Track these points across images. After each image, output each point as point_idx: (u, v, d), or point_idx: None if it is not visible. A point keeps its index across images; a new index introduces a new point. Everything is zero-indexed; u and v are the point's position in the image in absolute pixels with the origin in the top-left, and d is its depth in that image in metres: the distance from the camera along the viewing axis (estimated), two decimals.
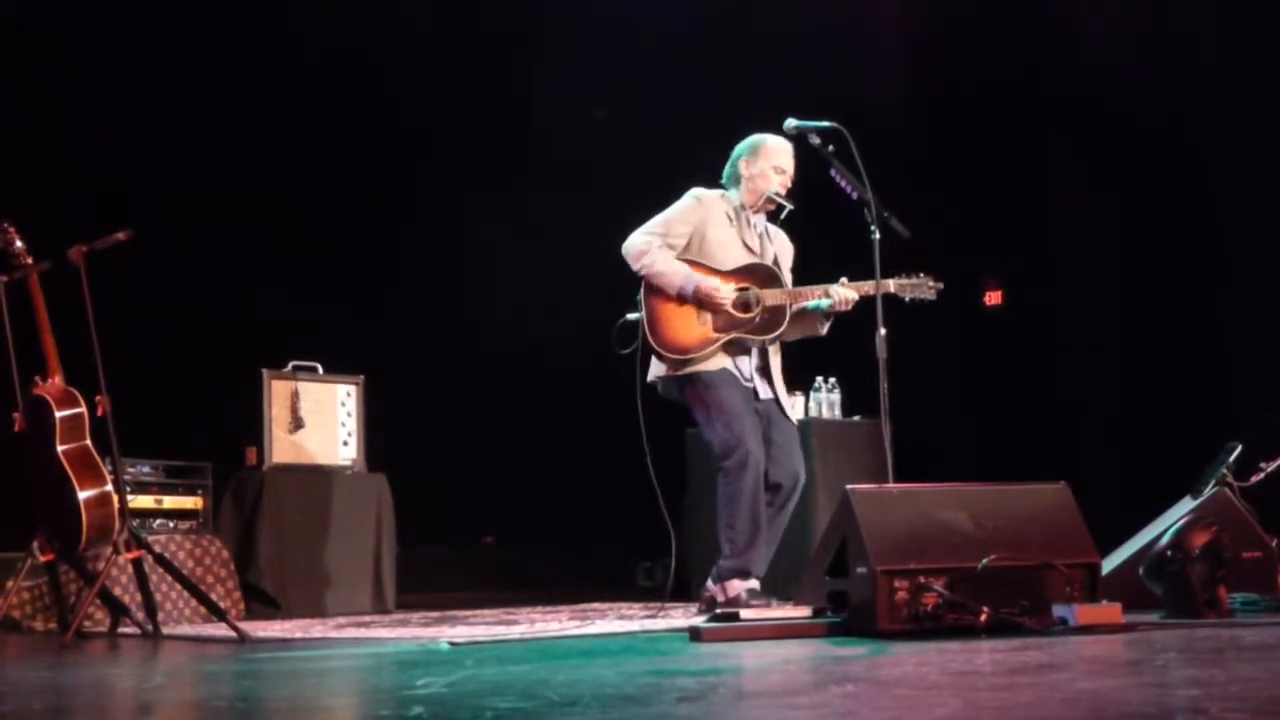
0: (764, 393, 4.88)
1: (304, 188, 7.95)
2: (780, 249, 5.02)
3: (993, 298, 8.24)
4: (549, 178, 8.54)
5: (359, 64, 8.27)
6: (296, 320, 7.50)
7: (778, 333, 4.82)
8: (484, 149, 8.53)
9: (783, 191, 4.90)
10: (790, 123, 4.75)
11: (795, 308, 4.82)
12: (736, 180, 4.97)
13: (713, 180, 5.07)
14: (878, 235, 4.56)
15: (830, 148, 4.62)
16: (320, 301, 7.88)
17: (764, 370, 4.90)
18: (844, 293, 4.76)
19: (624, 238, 4.88)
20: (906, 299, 4.80)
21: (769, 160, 4.91)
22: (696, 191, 4.93)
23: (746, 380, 4.84)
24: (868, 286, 4.69)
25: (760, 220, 4.99)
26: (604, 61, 7.97)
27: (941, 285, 4.84)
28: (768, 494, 4.76)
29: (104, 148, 7.19)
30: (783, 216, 4.98)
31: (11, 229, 5.04)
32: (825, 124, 4.66)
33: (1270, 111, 6.54)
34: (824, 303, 4.79)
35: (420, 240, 8.62)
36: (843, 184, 4.60)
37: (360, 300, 8.29)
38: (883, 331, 4.41)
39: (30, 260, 5.00)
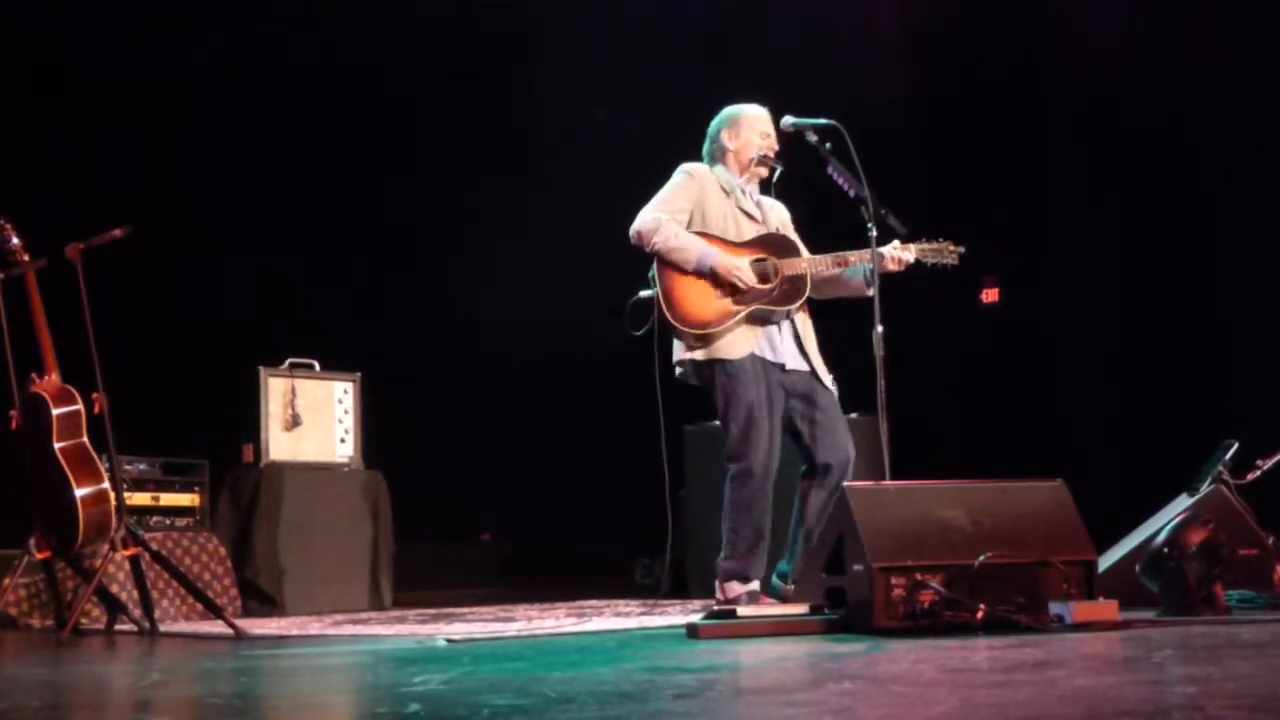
0: (796, 363, 4.72)
1: (301, 185, 7.95)
2: (778, 216, 4.91)
3: (990, 295, 8.24)
4: (548, 176, 8.54)
5: (357, 61, 8.27)
6: (293, 317, 7.50)
7: (799, 303, 4.68)
8: (483, 146, 8.53)
9: (771, 154, 4.82)
10: (788, 120, 4.73)
11: (817, 272, 4.68)
12: (721, 155, 4.86)
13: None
14: (875, 233, 4.56)
15: (828, 145, 4.61)
16: (317, 298, 7.88)
17: (797, 340, 4.75)
18: (894, 253, 4.64)
19: (623, 236, 4.83)
20: (929, 265, 4.73)
21: (752, 128, 4.84)
22: (686, 167, 4.82)
23: (777, 355, 4.68)
24: (892, 256, 4.63)
25: (754, 190, 4.89)
26: (604, 61, 7.97)
27: (963, 249, 4.75)
28: (817, 476, 4.64)
29: (101, 145, 7.20)
30: (775, 179, 4.88)
31: (8, 226, 5.03)
32: (822, 121, 4.64)
33: (1270, 111, 6.54)
34: (862, 268, 4.65)
35: (417, 237, 8.62)
36: (840, 181, 4.59)
37: (357, 297, 8.29)
38: (880, 329, 4.40)
39: (27, 257, 5.00)
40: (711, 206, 4.76)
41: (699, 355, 4.66)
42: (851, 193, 4.57)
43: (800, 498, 4.71)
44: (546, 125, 8.51)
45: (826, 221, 4.97)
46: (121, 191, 6.74)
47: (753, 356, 4.64)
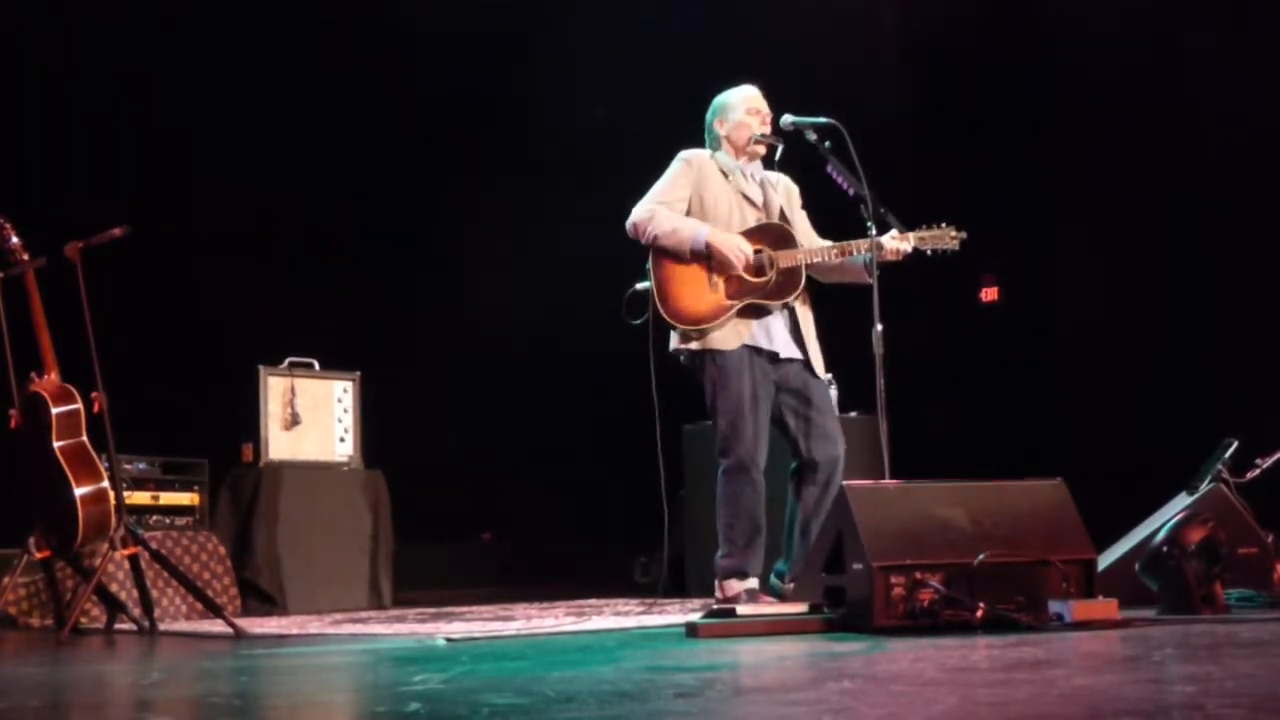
0: (789, 353, 4.70)
1: (300, 184, 7.94)
2: (784, 194, 4.90)
3: (989, 294, 8.24)
4: (546, 175, 8.55)
5: (356, 61, 8.26)
6: (293, 316, 7.50)
7: (794, 295, 4.68)
8: (482, 145, 8.53)
9: (767, 130, 4.80)
10: (787, 119, 4.73)
11: (815, 264, 4.68)
12: (717, 143, 4.87)
13: None
14: (874, 231, 4.56)
15: (827, 144, 4.61)
16: (317, 298, 7.88)
17: (796, 329, 4.75)
18: (892, 244, 4.62)
19: (623, 237, 4.82)
20: (928, 252, 4.70)
21: (742, 108, 4.83)
22: (684, 154, 4.83)
23: (771, 344, 4.67)
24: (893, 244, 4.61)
25: (756, 169, 4.88)
26: (603, 61, 7.96)
27: (964, 235, 4.71)
28: (807, 473, 4.64)
29: (100, 143, 7.19)
30: (778, 156, 4.87)
31: (8, 226, 5.03)
32: (822, 120, 4.64)
33: (1270, 111, 6.54)
34: (861, 257, 4.64)
35: (415, 237, 8.62)
36: (839, 180, 4.59)
37: (356, 297, 8.29)
38: (879, 327, 4.40)
39: (26, 256, 5.00)
40: (711, 191, 4.76)
41: (693, 345, 4.69)
42: (851, 191, 4.58)
43: (791, 496, 4.71)
44: (547, 125, 8.50)
45: (826, 220, 4.97)
46: (121, 191, 6.74)
47: (743, 349, 4.66)
